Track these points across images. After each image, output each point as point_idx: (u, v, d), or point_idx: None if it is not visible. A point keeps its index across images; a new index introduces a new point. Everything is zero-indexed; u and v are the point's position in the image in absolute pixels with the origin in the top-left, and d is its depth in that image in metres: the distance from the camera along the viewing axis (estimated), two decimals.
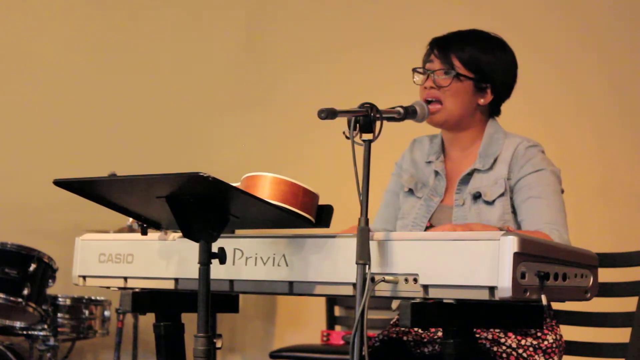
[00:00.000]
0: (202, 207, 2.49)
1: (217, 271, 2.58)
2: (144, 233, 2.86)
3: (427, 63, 3.05)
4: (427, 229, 3.00)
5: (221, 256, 2.51)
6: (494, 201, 2.95)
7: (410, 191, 3.10)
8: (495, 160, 3.00)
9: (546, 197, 2.91)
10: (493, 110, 3.09)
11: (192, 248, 2.56)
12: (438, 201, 3.04)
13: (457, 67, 3.00)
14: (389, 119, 2.61)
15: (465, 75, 3.00)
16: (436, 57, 3.03)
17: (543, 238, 2.72)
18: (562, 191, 2.97)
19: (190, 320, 2.76)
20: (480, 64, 3.01)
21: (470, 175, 3.02)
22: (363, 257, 2.33)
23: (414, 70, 3.07)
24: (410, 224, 3.04)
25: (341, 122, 2.47)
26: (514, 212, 2.95)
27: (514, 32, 5.07)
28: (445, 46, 3.03)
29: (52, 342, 4.83)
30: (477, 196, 2.97)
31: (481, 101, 3.04)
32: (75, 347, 5.24)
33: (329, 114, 2.44)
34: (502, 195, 2.95)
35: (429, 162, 3.11)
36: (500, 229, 2.65)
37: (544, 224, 2.84)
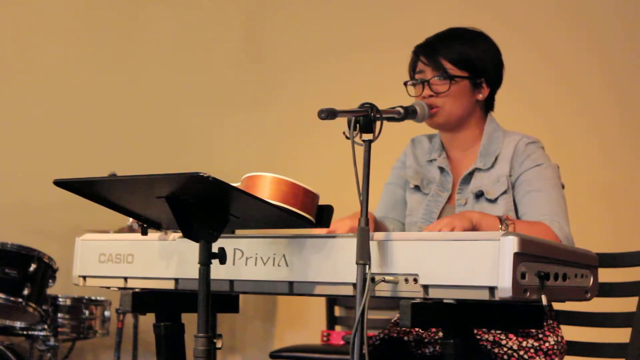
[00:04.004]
0: (202, 207, 2.49)
1: (217, 271, 2.58)
2: (144, 233, 2.86)
3: (417, 73, 3.04)
4: None
5: (221, 256, 2.51)
6: (496, 199, 2.95)
7: (417, 188, 3.10)
8: (496, 159, 3.00)
9: (546, 191, 2.92)
10: (488, 104, 3.09)
11: (192, 248, 2.56)
12: (446, 196, 3.04)
13: (450, 70, 2.99)
14: (389, 119, 2.61)
15: (460, 76, 2.99)
16: (426, 65, 3.02)
17: (544, 229, 2.74)
18: (563, 186, 2.98)
19: (190, 320, 2.76)
20: (471, 60, 3.01)
21: (471, 174, 3.02)
22: (363, 257, 2.33)
23: (406, 83, 3.06)
24: (420, 220, 3.04)
25: (341, 122, 2.47)
26: (517, 209, 2.96)
27: (513, 32, 5.11)
28: (431, 51, 3.02)
29: (52, 342, 4.83)
30: (479, 195, 2.97)
31: (479, 96, 3.04)
32: (75, 347, 5.24)
33: (329, 114, 2.44)
34: (504, 192, 2.95)
35: (432, 160, 3.11)
36: (499, 218, 2.66)
37: (545, 216, 2.85)
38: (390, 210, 3.16)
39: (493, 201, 2.95)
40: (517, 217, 2.94)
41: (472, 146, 3.07)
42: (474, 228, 2.64)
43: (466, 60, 3.00)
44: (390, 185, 3.19)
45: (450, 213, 3.01)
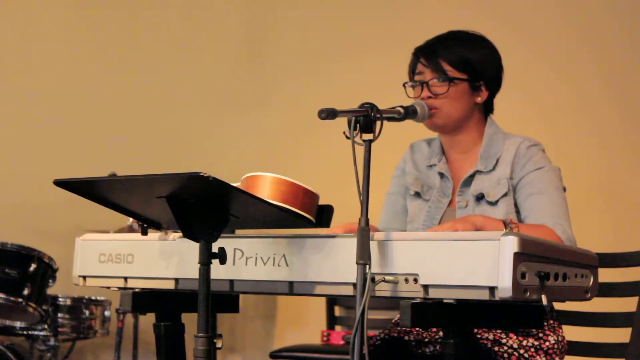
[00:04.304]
0: (202, 207, 2.49)
1: (217, 271, 2.58)
2: (144, 233, 2.86)
3: (417, 75, 3.05)
4: None
5: (221, 256, 2.51)
6: (497, 201, 2.95)
7: (417, 194, 3.11)
8: (497, 161, 3.00)
9: (548, 193, 2.92)
10: (487, 107, 3.10)
11: (192, 248, 2.56)
12: (447, 202, 3.04)
13: (449, 72, 3.00)
14: (389, 119, 2.61)
15: (459, 78, 3.00)
16: (425, 67, 3.02)
17: (547, 232, 2.75)
18: (564, 189, 2.98)
19: (190, 320, 2.76)
20: (471, 63, 3.01)
21: (472, 177, 3.02)
22: (363, 257, 2.33)
23: (405, 85, 3.07)
24: (421, 226, 3.04)
25: (341, 122, 2.47)
26: (518, 211, 2.96)
27: (514, 32, 5.11)
28: (431, 53, 3.02)
29: (52, 342, 4.83)
30: (480, 197, 2.98)
31: (478, 99, 3.05)
32: (75, 347, 5.24)
33: (329, 114, 2.44)
34: (505, 195, 2.95)
35: (431, 166, 3.11)
36: (503, 221, 2.66)
37: (547, 219, 2.85)
38: (392, 220, 3.17)
39: (494, 204, 2.96)
40: (519, 219, 2.95)
41: (472, 149, 3.07)
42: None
43: (466, 63, 3.01)
44: (391, 195, 3.20)
45: (451, 217, 3.01)
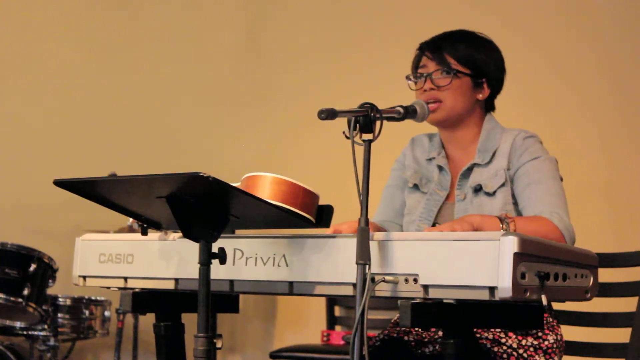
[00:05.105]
0: (202, 207, 2.49)
1: (217, 271, 2.58)
2: (144, 233, 2.86)
3: (420, 68, 3.07)
4: (434, 224, 3.01)
5: (221, 256, 2.51)
6: (495, 192, 2.97)
7: (415, 187, 3.12)
8: (494, 154, 3.02)
9: (545, 183, 2.93)
10: (489, 106, 3.11)
11: (192, 248, 2.56)
12: (444, 195, 3.06)
13: (454, 65, 3.03)
14: (389, 119, 2.61)
15: (462, 72, 3.02)
16: (430, 60, 3.05)
17: (543, 223, 2.75)
18: (561, 179, 2.99)
19: (190, 320, 2.76)
20: (475, 60, 3.04)
21: (470, 170, 3.04)
22: (363, 257, 2.33)
23: (408, 77, 3.08)
24: (418, 219, 3.05)
25: (341, 122, 2.47)
26: (515, 202, 2.97)
27: (514, 32, 5.11)
28: (437, 47, 3.06)
29: (52, 342, 4.83)
30: (477, 189, 2.99)
31: (480, 96, 3.07)
32: (75, 347, 5.24)
33: (329, 114, 2.44)
34: (502, 185, 2.97)
35: (431, 159, 3.13)
36: (499, 217, 2.67)
37: (544, 209, 2.86)
38: (389, 214, 3.18)
39: (491, 194, 2.97)
40: (518, 210, 2.96)
41: (471, 145, 3.09)
42: (475, 231, 2.65)
43: (469, 59, 3.04)
44: (390, 187, 3.20)
45: (449, 211, 3.02)
